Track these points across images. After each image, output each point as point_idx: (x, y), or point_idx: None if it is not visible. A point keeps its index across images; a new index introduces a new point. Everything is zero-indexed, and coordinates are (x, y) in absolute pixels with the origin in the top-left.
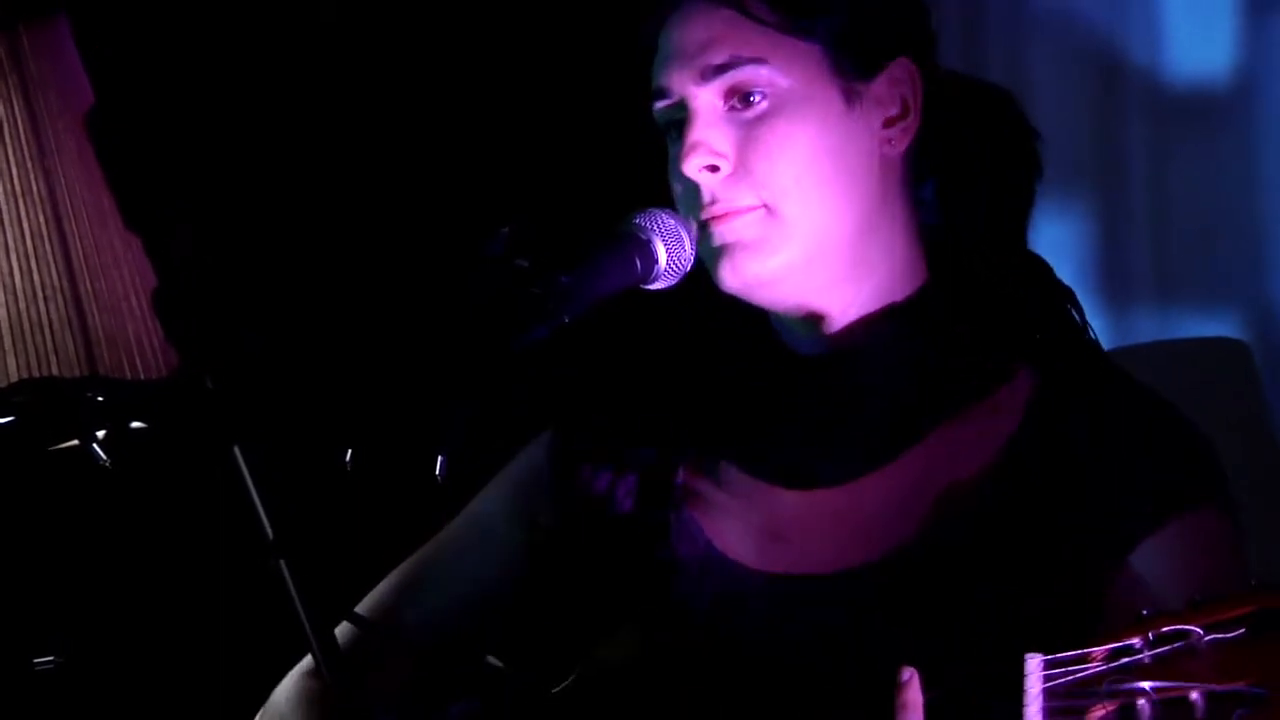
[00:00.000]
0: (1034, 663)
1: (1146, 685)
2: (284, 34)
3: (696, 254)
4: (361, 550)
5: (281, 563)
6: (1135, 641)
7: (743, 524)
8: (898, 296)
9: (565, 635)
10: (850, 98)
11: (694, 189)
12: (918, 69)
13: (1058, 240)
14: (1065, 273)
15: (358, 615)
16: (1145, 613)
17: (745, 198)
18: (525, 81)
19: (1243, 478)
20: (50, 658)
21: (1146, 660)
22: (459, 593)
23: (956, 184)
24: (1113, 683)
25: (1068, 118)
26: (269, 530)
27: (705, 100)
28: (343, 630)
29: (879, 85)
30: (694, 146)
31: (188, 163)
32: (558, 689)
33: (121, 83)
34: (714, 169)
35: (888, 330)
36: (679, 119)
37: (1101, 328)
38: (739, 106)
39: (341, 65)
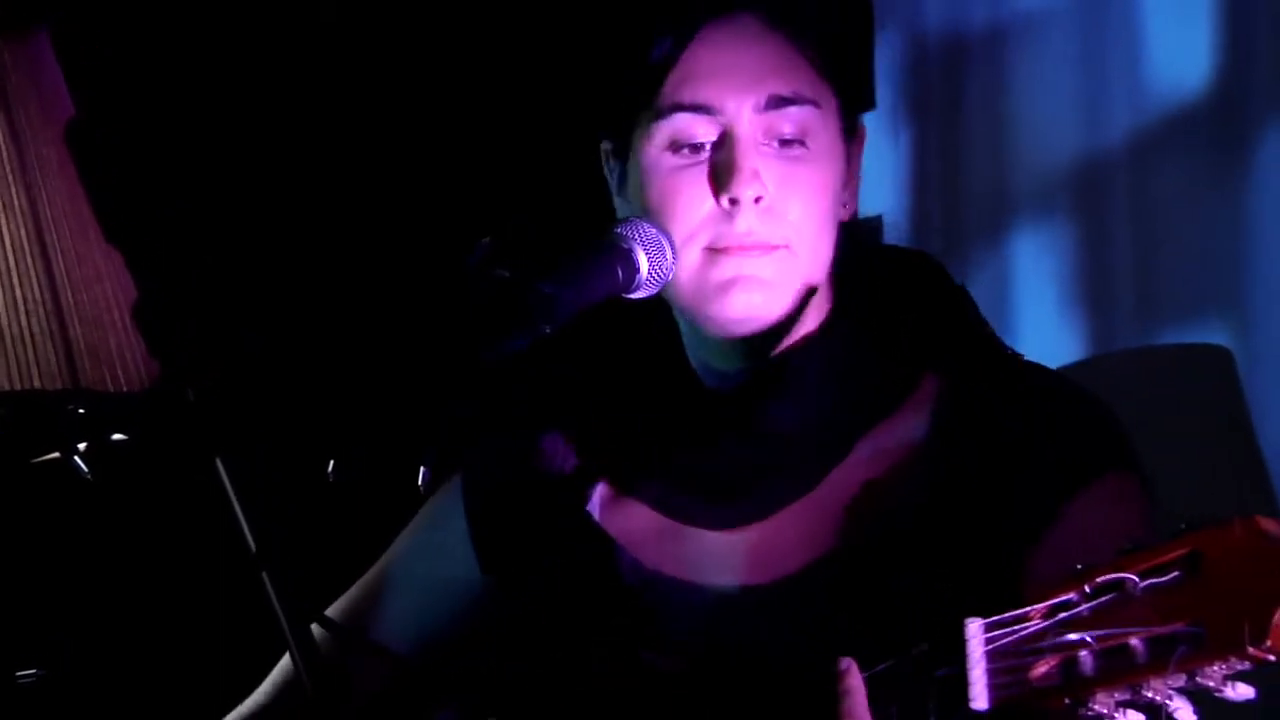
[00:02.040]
0: (974, 626)
1: (1087, 636)
2: (273, 36)
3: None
4: (344, 560)
5: (264, 574)
6: (1073, 595)
7: (669, 543)
8: (810, 327)
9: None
10: (846, 156)
11: (718, 216)
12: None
13: (1040, 248)
14: (1047, 280)
15: (329, 619)
16: (1080, 566)
17: (776, 235)
18: (516, 89)
19: (1224, 482)
20: (32, 670)
21: (1085, 612)
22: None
23: None
24: (1054, 637)
25: (1049, 128)
26: (251, 542)
27: (756, 128)
28: (320, 635)
29: (855, 146)
30: (753, 175)
31: (172, 170)
32: None
33: (104, 93)
34: (757, 200)
35: (799, 360)
36: (695, 142)
37: (1083, 336)
38: (775, 145)
39: (329, 72)
